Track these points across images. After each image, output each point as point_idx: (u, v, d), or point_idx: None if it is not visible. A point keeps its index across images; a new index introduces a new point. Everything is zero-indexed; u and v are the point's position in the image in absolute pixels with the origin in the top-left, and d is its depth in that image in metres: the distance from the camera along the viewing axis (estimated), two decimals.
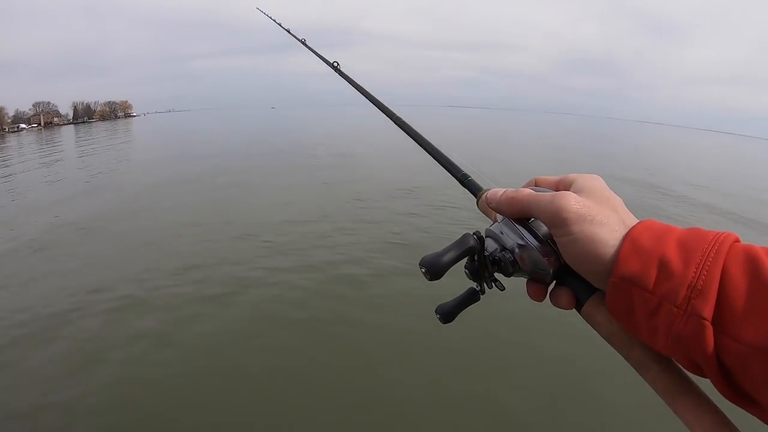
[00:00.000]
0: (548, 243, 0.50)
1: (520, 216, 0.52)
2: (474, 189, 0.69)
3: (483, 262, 0.55)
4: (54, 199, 12.16)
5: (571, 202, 0.46)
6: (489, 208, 0.57)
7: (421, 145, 0.85)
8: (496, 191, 0.56)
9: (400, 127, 0.96)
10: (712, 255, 0.39)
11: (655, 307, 0.40)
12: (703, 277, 0.38)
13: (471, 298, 0.57)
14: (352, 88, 1.20)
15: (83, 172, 17.87)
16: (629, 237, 0.43)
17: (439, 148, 0.81)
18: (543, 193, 0.49)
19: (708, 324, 0.37)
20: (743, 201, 13.26)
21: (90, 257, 7.09)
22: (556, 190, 0.52)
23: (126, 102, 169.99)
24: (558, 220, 0.46)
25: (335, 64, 1.39)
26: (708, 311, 0.37)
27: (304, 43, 1.79)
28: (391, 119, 1.02)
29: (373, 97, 1.12)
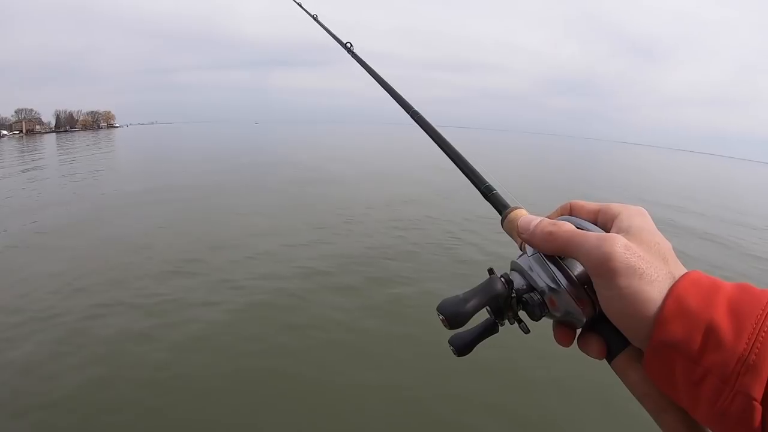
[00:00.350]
0: (584, 288, 0.45)
1: (558, 255, 0.47)
2: (499, 205, 0.63)
3: (507, 301, 0.50)
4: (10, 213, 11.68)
5: (621, 249, 0.41)
6: (518, 235, 0.52)
7: (440, 146, 0.79)
8: (529, 220, 0.51)
9: (417, 122, 0.88)
10: None
11: (700, 378, 0.37)
12: (756, 350, 0.35)
13: (490, 329, 0.51)
14: (366, 72, 1.13)
15: (49, 184, 17.26)
16: (674, 294, 0.39)
17: (462, 153, 0.74)
18: (587, 233, 0.45)
19: (758, 405, 0.34)
20: (717, 222, 13.92)
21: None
22: (595, 222, 0.49)
23: (109, 112, 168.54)
24: (604, 270, 0.41)
25: (348, 45, 1.32)
26: (759, 390, 0.34)
27: (315, 19, 1.70)
28: (407, 112, 0.94)
29: (387, 83, 1.04)
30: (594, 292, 0.44)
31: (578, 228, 0.48)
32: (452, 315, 0.47)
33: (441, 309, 0.47)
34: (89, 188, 15.79)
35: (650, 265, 0.41)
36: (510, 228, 0.58)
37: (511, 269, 0.52)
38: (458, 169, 0.73)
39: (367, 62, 1.15)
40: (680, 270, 0.42)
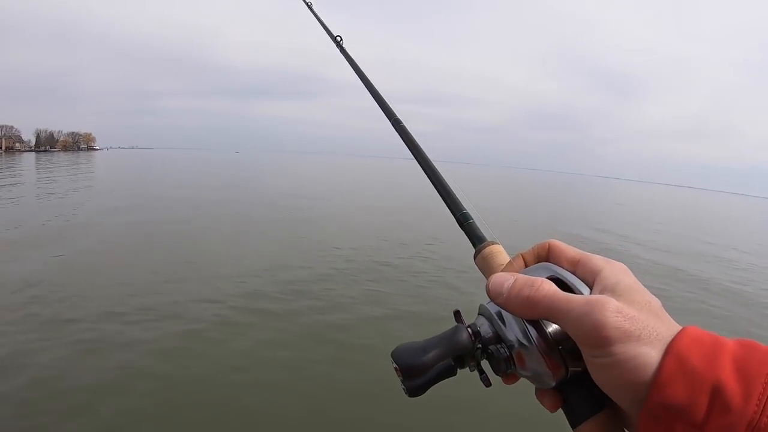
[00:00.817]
0: (558, 349, 0.41)
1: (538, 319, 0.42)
2: (474, 237, 0.59)
3: (472, 349, 0.45)
4: None
5: (612, 314, 0.37)
6: (489, 297, 0.45)
7: (418, 161, 0.74)
8: (501, 281, 0.44)
9: (398, 132, 0.83)
10: None
11: None
12: (767, 413, 0.32)
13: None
14: (352, 70, 1.07)
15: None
16: (674, 352, 0.35)
17: (441, 173, 0.70)
18: (572, 298, 0.40)
19: None
20: (690, 255, 14.28)
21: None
22: (573, 271, 0.45)
23: (90, 134, 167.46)
24: (595, 339, 0.37)
25: (338, 39, 1.24)
26: None
27: (309, 7, 1.59)
28: (389, 119, 0.88)
29: (372, 86, 0.98)
30: (568, 355, 0.41)
31: (559, 278, 0.44)
32: (407, 367, 0.42)
33: (396, 357, 0.43)
34: (57, 209, 15.19)
35: (646, 326, 0.37)
36: (482, 264, 0.54)
37: (479, 313, 0.48)
38: (435, 189, 0.69)
39: (355, 61, 1.10)
40: (673, 327, 0.38)
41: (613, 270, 0.43)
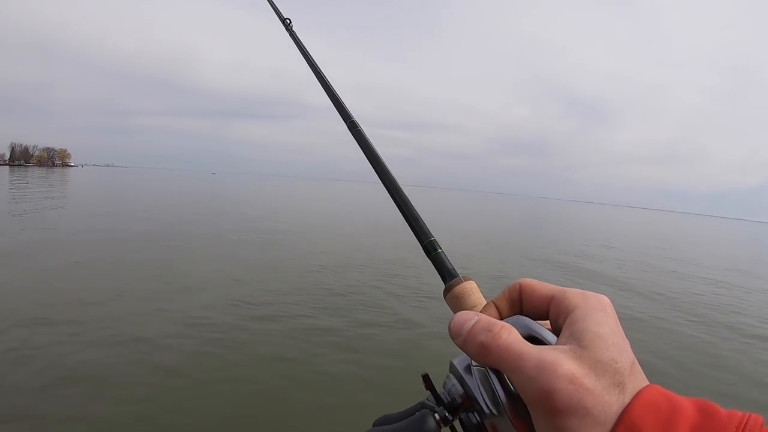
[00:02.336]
0: (527, 415, 0.37)
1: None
2: (444, 270, 0.52)
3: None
4: None
5: (563, 384, 0.33)
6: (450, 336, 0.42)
7: (379, 174, 0.65)
8: (462, 321, 0.41)
9: (354, 136, 0.74)
10: None
11: None
12: None
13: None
14: (303, 58, 0.96)
15: None
16: (625, 423, 0.32)
17: (402, 188, 0.62)
18: (526, 353, 0.36)
19: None
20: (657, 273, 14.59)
21: None
22: (547, 311, 0.41)
23: (65, 150, 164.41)
24: (541, 407, 0.34)
25: (287, 21, 1.13)
26: None
27: None
28: (344, 121, 0.77)
29: (322, 75, 0.88)
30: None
31: (526, 328, 0.40)
32: None
33: None
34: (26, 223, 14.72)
35: (598, 402, 0.33)
36: (453, 304, 0.48)
37: (449, 371, 0.44)
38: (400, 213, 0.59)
39: (305, 45, 0.99)
40: (639, 382, 0.34)
41: (586, 309, 0.38)
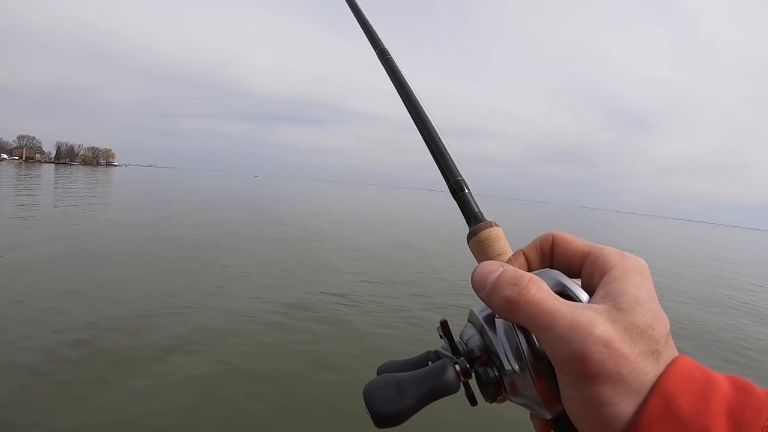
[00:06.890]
0: (550, 375, 0.35)
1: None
2: (470, 213, 0.47)
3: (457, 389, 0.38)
4: None
5: (598, 348, 0.31)
6: (474, 289, 0.38)
7: (408, 109, 0.57)
8: (487, 271, 0.37)
9: (383, 64, 0.64)
10: None
11: None
12: None
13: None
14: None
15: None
16: (660, 391, 0.30)
17: (437, 128, 0.54)
18: (559, 311, 0.33)
19: None
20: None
21: None
22: (580, 268, 0.38)
23: (109, 150, 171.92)
24: (571, 370, 0.32)
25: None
26: None
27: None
28: (372, 46, 0.67)
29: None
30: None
31: (556, 282, 0.37)
32: (380, 417, 0.35)
33: (368, 399, 0.35)
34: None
35: (633, 369, 0.31)
36: (477, 249, 0.44)
37: (468, 320, 0.41)
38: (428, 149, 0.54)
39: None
40: (671, 352, 0.33)
41: (624, 269, 0.35)
